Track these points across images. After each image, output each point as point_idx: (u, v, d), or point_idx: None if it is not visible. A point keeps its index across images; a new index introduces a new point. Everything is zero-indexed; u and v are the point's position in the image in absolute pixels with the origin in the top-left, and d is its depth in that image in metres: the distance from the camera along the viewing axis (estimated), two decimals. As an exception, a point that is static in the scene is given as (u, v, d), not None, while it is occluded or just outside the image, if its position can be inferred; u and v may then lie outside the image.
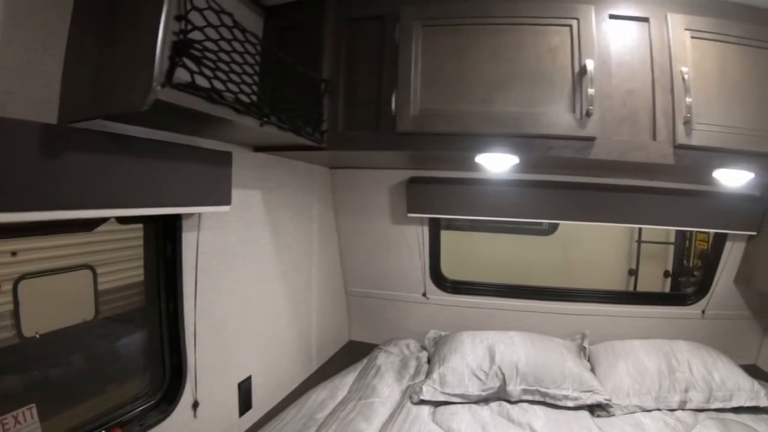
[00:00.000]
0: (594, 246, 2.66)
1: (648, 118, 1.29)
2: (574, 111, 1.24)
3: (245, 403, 1.42)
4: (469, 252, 2.57)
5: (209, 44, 0.86)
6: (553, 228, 2.56)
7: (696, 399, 1.54)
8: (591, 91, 1.20)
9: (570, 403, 1.53)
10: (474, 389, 1.55)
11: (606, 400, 1.52)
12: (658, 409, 1.53)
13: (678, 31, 1.28)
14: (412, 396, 1.55)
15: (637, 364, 1.63)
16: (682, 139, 1.25)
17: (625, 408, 1.53)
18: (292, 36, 1.43)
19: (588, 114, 1.22)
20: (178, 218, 1.18)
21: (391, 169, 1.84)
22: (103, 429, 1.04)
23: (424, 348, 1.94)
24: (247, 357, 1.43)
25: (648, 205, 1.79)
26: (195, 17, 0.82)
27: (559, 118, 1.24)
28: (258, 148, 1.42)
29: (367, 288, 2.09)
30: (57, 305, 1.66)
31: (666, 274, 2.47)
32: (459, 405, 1.53)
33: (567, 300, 1.99)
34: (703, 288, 1.89)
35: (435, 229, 1.96)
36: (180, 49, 0.79)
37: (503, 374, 1.57)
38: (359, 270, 2.07)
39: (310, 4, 1.38)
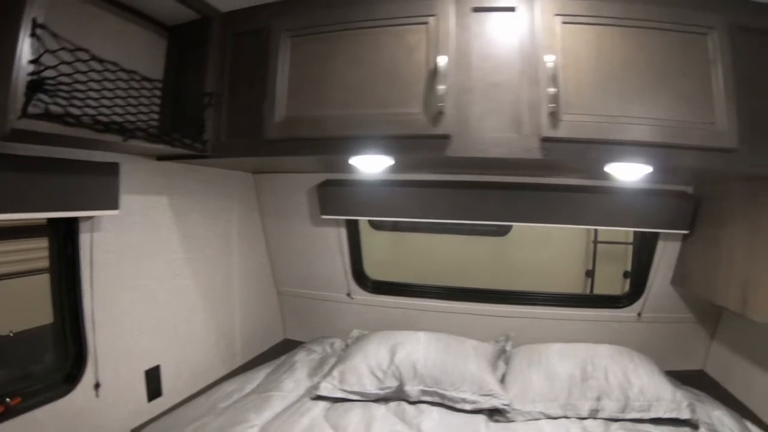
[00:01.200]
0: (551, 247, 2.52)
1: (513, 112, 1.23)
2: (427, 109, 1.23)
3: (154, 390, 1.56)
4: (414, 253, 2.54)
5: (66, 78, 1.01)
6: (506, 229, 2.46)
7: (609, 408, 1.44)
8: (441, 88, 1.19)
9: (468, 407, 1.49)
10: (372, 388, 1.57)
11: (504, 405, 1.46)
12: (566, 417, 1.45)
13: (547, 17, 1.22)
14: (312, 392, 1.60)
15: (549, 369, 1.55)
16: (547, 131, 1.19)
17: (528, 414, 1.46)
18: (190, 53, 1.54)
19: (440, 112, 1.20)
20: (75, 222, 1.35)
21: (309, 173, 1.90)
22: (7, 398, 1.21)
23: (348, 347, 1.97)
24: (155, 347, 1.56)
25: (576, 203, 1.69)
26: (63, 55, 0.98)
27: (411, 117, 1.23)
28: (161, 158, 1.56)
29: (298, 288, 2.15)
30: (30, 306, 1.92)
31: (626, 274, 2.27)
32: (356, 402, 1.55)
33: (498, 302, 1.92)
34: (637, 290, 1.74)
35: (353, 230, 1.98)
36: (33, 86, 0.97)
37: (401, 374, 1.57)
38: (288, 270, 2.14)
39: (202, 23, 1.49)
